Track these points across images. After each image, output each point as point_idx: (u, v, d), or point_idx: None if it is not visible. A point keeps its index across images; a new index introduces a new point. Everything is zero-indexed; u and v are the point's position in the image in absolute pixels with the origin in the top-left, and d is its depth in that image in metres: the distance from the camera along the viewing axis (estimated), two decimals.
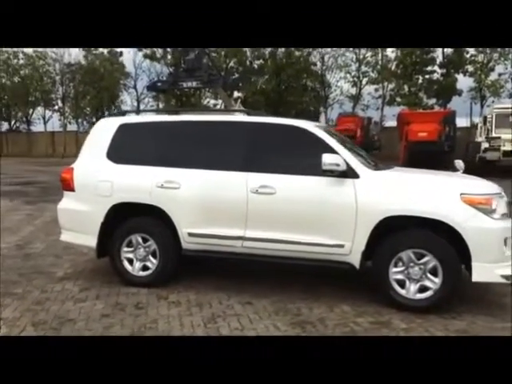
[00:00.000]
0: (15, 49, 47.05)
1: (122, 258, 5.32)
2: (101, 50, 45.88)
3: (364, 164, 4.82)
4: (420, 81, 37.72)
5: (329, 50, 41.35)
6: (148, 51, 42.67)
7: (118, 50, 47.37)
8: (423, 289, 4.55)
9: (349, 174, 4.67)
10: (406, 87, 38.08)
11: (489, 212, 4.40)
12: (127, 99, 49.03)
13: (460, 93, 36.75)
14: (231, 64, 44.00)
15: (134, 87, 46.45)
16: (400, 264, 4.58)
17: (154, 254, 5.26)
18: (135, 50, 43.87)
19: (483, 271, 4.38)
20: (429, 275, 4.52)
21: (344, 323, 4.31)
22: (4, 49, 46.39)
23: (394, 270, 4.60)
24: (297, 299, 4.91)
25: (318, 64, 42.85)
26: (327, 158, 4.55)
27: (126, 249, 5.31)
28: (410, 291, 4.57)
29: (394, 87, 39.05)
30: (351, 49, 40.72)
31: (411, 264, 4.55)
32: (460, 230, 4.37)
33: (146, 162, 5.26)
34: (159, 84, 34.32)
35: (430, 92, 37.44)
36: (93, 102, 45.52)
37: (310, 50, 40.89)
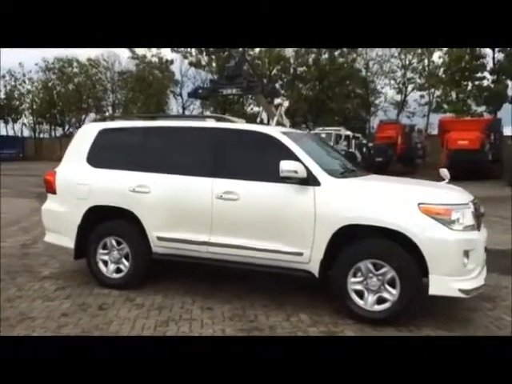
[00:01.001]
0: (70, 57, 49.29)
1: (97, 260, 5.46)
2: (150, 58, 47.23)
3: (329, 171, 4.73)
4: (469, 87, 36.49)
5: (374, 55, 40.85)
6: (193, 59, 43.57)
7: (169, 58, 48.65)
8: (381, 300, 4.42)
9: (310, 181, 4.61)
10: (453, 94, 36.94)
11: (447, 223, 4.23)
12: (174, 106, 49.91)
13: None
14: (274, 71, 44.07)
15: (180, 94, 47.46)
16: (359, 274, 4.47)
17: (126, 257, 5.37)
18: (181, 58, 44.89)
19: (440, 284, 4.21)
20: (387, 286, 4.39)
21: (293, 332, 4.25)
22: (59, 57, 48.64)
23: (353, 280, 4.49)
24: (259, 306, 4.88)
25: (363, 70, 42.38)
26: (284, 165, 4.51)
27: (101, 251, 5.45)
28: (368, 302, 4.45)
29: (441, 94, 37.98)
30: (396, 54, 40.05)
31: (370, 275, 4.43)
32: (416, 241, 4.22)
33: (121, 167, 5.39)
34: (200, 91, 34.68)
35: (479, 99, 36.14)
36: (141, 108, 46.82)
37: (354, 56, 40.51)
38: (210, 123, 5.31)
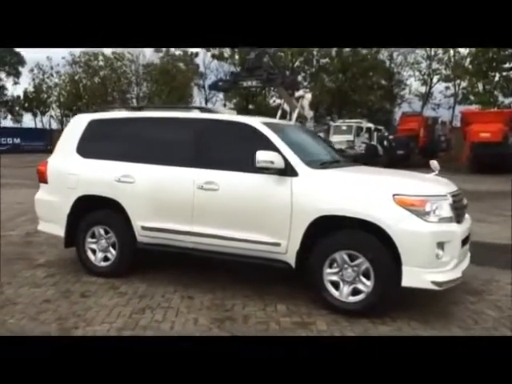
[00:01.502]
0: (96, 50, 49.97)
1: (86, 249, 5.57)
2: (174, 50, 47.53)
3: (308, 162, 4.70)
4: (496, 78, 35.60)
5: None
6: (216, 51, 43.67)
7: (194, 51, 48.91)
8: (356, 291, 4.40)
9: (288, 171, 4.60)
10: (480, 85, 36.13)
11: (421, 214, 4.17)
12: (197, 98, 50.22)
13: None
14: (297, 63, 43.82)
15: (203, 87, 47.66)
16: (334, 265, 4.46)
17: (114, 246, 5.46)
18: (204, 50, 45.07)
19: (413, 276, 4.16)
20: (362, 278, 4.36)
21: (265, 322, 4.27)
22: (85, 51, 49.32)
23: (329, 271, 4.48)
24: (240, 296, 4.91)
25: (387, 62, 41.76)
26: (260, 156, 4.51)
27: (89, 239, 5.56)
28: (343, 293, 4.43)
29: (467, 85, 37.20)
30: None
31: (345, 266, 4.41)
32: (390, 232, 4.17)
33: (108, 157, 5.48)
34: (221, 83, 34.77)
35: (507, 90, 35.24)
36: (165, 100, 47.23)
37: None
38: (193, 114, 5.33)
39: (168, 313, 4.45)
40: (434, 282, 4.14)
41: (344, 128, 32.00)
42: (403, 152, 28.48)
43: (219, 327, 4.14)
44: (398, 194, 4.24)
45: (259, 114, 44.23)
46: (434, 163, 5.64)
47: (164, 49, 46.64)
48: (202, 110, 5.38)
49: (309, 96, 38.78)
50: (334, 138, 31.20)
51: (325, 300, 4.50)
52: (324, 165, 4.96)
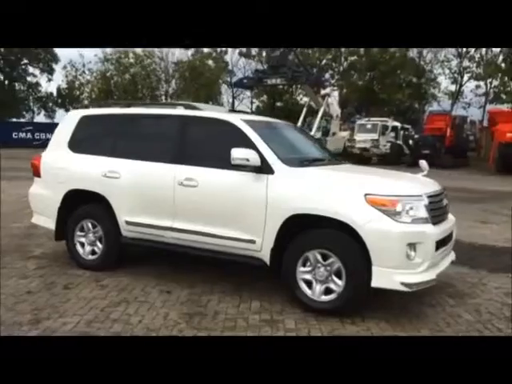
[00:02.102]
0: (126, 48, 50.68)
1: (75, 242, 5.69)
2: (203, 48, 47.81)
3: (286, 160, 4.68)
4: None
5: None
6: (243, 49, 43.75)
7: (224, 48, 49.07)
8: (329, 291, 4.37)
9: (264, 169, 4.60)
10: None
11: (392, 214, 4.11)
12: (225, 96, 50.46)
13: None
14: (324, 61, 43.51)
15: (230, 84, 47.81)
16: (308, 264, 4.44)
17: (100, 240, 5.56)
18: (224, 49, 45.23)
19: (382, 276, 4.11)
20: (334, 277, 4.33)
21: (234, 319, 4.28)
22: (116, 48, 50.11)
23: (302, 269, 4.46)
24: (218, 292, 4.94)
25: (416, 59, 41.02)
26: (235, 153, 4.52)
27: (78, 233, 5.68)
28: (316, 292, 4.41)
29: (499, 83, 36.19)
30: None
31: (318, 265, 4.39)
32: (360, 232, 4.13)
33: (97, 152, 5.58)
34: (245, 81, 34.95)
35: None
36: (192, 98, 47.60)
37: None
38: (177, 110, 5.38)
39: (141, 307, 4.51)
40: (403, 284, 4.07)
41: (369, 126, 31.66)
42: (429, 151, 27.95)
43: (187, 323, 4.17)
44: (369, 194, 4.18)
45: (287, 111, 44.17)
46: (422, 163, 5.54)
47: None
48: (186, 106, 5.42)
49: (335, 94, 38.37)
50: (358, 137, 30.92)
51: (298, 299, 4.49)
52: (304, 163, 4.92)
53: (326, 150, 5.98)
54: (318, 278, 4.39)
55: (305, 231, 4.44)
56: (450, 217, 5.01)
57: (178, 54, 49.94)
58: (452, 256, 4.97)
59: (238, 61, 47.58)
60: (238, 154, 4.52)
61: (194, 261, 5.74)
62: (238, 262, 4.83)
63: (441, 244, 4.42)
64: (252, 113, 50.33)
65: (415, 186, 4.60)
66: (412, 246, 4.10)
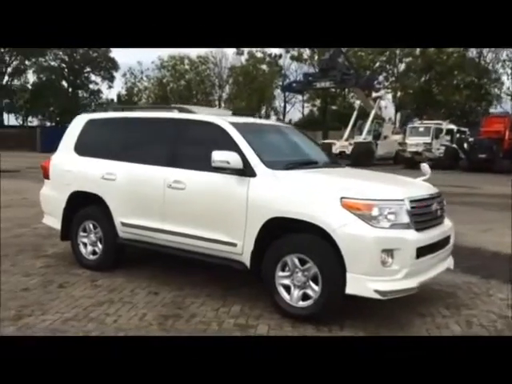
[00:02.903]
0: (182, 55, 51.95)
1: (78, 242, 5.87)
2: (255, 52, 48.14)
3: (270, 163, 4.61)
4: None
5: None
6: (295, 52, 43.67)
7: (278, 52, 49.21)
8: (306, 297, 4.26)
9: (247, 172, 4.56)
10: None
11: (368, 219, 3.95)
12: (277, 100, 50.52)
13: None
14: (378, 63, 42.64)
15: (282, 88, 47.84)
16: (287, 269, 4.35)
17: (101, 241, 5.70)
18: (283, 52, 45.23)
19: (356, 283, 3.96)
20: (311, 283, 4.22)
21: (208, 322, 4.25)
22: (172, 55, 51.43)
23: (281, 274, 4.37)
24: (204, 295, 4.93)
25: (476, 60, 39.38)
26: (216, 156, 4.51)
27: (81, 233, 5.85)
28: (294, 298, 4.31)
29: None
30: None
31: (296, 270, 4.29)
32: (335, 237, 4.00)
33: (98, 155, 5.73)
34: (294, 85, 34.90)
35: None
36: (245, 102, 48.09)
37: None
38: (169, 114, 5.43)
39: (123, 307, 4.57)
40: (377, 291, 3.91)
41: (421, 129, 30.68)
42: (485, 156, 26.75)
43: (159, 324, 4.19)
44: (345, 197, 4.05)
45: (339, 115, 43.63)
46: (424, 167, 5.31)
47: (246, 51, 47.48)
48: (180, 109, 5.46)
49: (388, 96, 37.34)
50: (410, 140, 30.03)
51: (276, 303, 4.40)
52: (290, 166, 4.81)
53: (324, 153, 5.84)
54: (295, 284, 4.30)
55: (284, 235, 4.36)
56: (446, 222, 4.77)
57: (232, 59, 50.68)
58: (448, 263, 4.72)
59: (291, 65, 47.53)
60: (219, 156, 4.50)
61: (188, 263, 5.74)
62: (221, 265, 4.80)
63: (427, 251, 4.20)
64: (304, 117, 50.22)
65: (397, 189, 4.40)
66: (389, 252, 3.93)
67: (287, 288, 4.36)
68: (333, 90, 41.32)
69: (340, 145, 32.31)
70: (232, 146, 4.69)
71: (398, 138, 32.80)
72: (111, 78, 56.80)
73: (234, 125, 4.92)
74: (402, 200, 4.12)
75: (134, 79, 56.18)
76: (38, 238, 7.38)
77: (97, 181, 5.58)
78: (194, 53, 53.02)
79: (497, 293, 5.18)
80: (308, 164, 5.13)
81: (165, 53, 53.35)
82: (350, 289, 3.98)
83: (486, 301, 4.93)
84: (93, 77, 57.24)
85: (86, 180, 5.72)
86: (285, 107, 48.83)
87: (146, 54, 55.83)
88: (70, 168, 5.90)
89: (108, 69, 56.33)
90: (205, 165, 4.81)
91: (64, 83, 56.48)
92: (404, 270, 3.98)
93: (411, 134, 30.70)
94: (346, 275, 3.98)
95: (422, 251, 4.12)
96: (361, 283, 3.94)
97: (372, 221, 3.96)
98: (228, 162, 4.50)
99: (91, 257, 5.79)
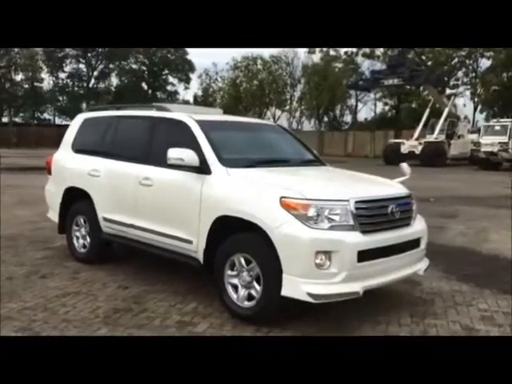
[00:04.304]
0: (255, 55, 52.41)
1: (72, 236, 6.13)
2: (325, 50, 47.47)
3: (228, 161, 4.55)
4: None
5: None
6: (367, 50, 42.59)
7: (354, 50, 48.27)
8: (251, 297, 4.16)
9: (204, 169, 4.53)
10: None
11: (304, 219, 3.78)
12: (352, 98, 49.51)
13: None
14: (456, 59, 40.55)
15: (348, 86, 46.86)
16: (235, 268, 4.27)
17: (89, 234, 5.92)
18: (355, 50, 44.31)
19: (290, 285, 3.81)
20: (255, 283, 4.12)
21: (152, 317, 4.28)
22: (245, 55, 52.05)
23: (229, 273, 4.30)
24: (169, 291, 4.95)
25: None
26: (171, 153, 4.53)
27: (75, 227, 6.10)
28: (240, 298, 4.23)
29: None
30: None
31: (242, 269, 4.21)
32: (271, 236, 3.88)
33: (88, 152, 5.96)
34: (361, 82, 34.05)
35: None
36: (316, 101, 47.67)
37: None
38: (145, 112, 5.52)
39: (84, 299, 4.69)
40: (309, 294, 3.73)
41: (497, 128, 28.77)
42: None
43: (105, 317, 4.26)
44: (284, 197, 3.91)
45: (412, 112, 41.96)
46: (403, 166, 5.00)
47: (317, 50, 47.03)
48: (157, 108, 5.52)
49: (466, 94, 35.07)
50: (484, 140, 28.28)
51: (225, 303, 4.34)
52: (249, 164, 4.69)
53: (307, 152, 5.64)
54: (242, 283, 4.21)
55: (232, 234, 4.29)
56: (416, 225, 4.46)
57: (304, 58, 50.40)
58: (414, 268, 4.41)
59: (363, 62, 46.44)
60: (173, 153, 4.52)
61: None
62: (181, 262, 4.81)
63: (376, 255, 3.95)
64: (375, 116, 48.75)
65: (342, 190, 4.16)
66: (326, 254, 3.74)
67: (235, 287, 4.28)
68: (407, 87, 39.83)
69: (409, 144, 31.16)
70: (194, 143, 4.68)
71: (475, 137, 31.00)
72: (187, 80, 58.60)
73: (200, 123, 4.90)
74: (345, 201, 3.90)
75: (209, 80, 57.55)
76: (54, 232, 7.75)
77: (85, 177, 5.79)
78: (266, 53, 53.46)
79: (480, 303, 4.77)
80: (274, 162, 4.99)
81: (238, 54, 54.23)
82: (285, 290, 3.84)
83: (461, 311, 4.55)
84: (170, 78, 59.39)
85: (77, 176, 5.96)
86: (356, 106, 47.91)
87: (222, 56, 56.86)
88: (66, 165, 6.18)
89: (185, 70, 58.14)
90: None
91: (144, 85, 59.08)
92: (342, 273, 3.77)
93: (486, 133, 28.92)
94: (282, 276, 3.84)
95: (366, 255, 3.88)
96: (295, 285, 3.78)
97: (309, 221, 3.79)
98: (182, 159, 4.50)
99: (82, 250, 6.02)
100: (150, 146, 5.18)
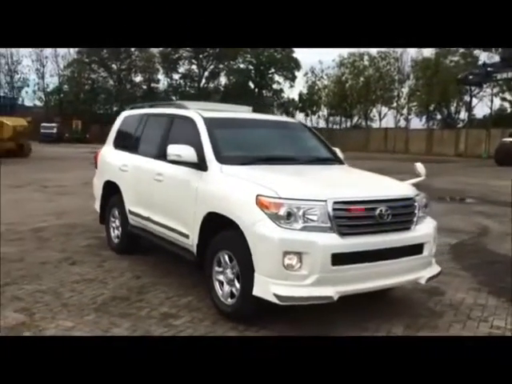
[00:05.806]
0: (362, 52, 51.10)
1: (109, 226, 6.48)
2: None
3: (225, 158, 4.52)
4: None
5: None
6: None
7: None
8: (233, 294, 4.11)
9: (202, 166, 4.57)
10: None
11: (275, 218, 3.65)
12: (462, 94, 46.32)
13: None
14: None
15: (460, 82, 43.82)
16: (221, 264, 4.24)
17: (121, 226, 6.22)
18: None
19: (260, 285, 3.71)
20: (235, 281, 4.06)
21: (141, 307, 4.40)
22: (352, 52, 50.93)
23: (217, 269, 4.29)
24: (174, 284, 5.05)
25: None
26: (170, 149, 4.62)
27: (111, 219, 6.44)
28: (224, 294, 4.21)
29: None
30: None
31: (227, 266, 4.17)
32: (246, 235, 3.80)
33: (123, 148, 6.26)
34: (471, 77, 31.61)
35: None
36: (424, 98, 45.35)
37: None
38: (165, 109, 5.67)
39: (93, 286, 4.94)
40: (275, 295, 3.60)
41: None
42: None
43: (101, 304, 4.44)
44: (260, 195, 3.81)
45: None
46: (418, 166, 4.61)
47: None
48: (176, 105, 5.64)
49: None
50: None
51: (211, 298, 4.33)
52: (246, 161, 4.59)
53: (326, 150, 5.41)
54: (226, 280, 4.18)
55: (219, 231, 4.26)
56: (418, 229, 4.11)
57: (413, 52, 48.17)
58: (413, 276, 4.07)
59: (480, 55, 43.20)
60: (172, 150, 4.61)
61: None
62: (180, 256, 4.89)
63: (357, 259, 3.70)
64: (491, 112, 44.85)
65: (321, 190, 3.89)
66: (296, 255, 3.57)
67: (222, 284, 4.25)
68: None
69: None
70: (197, 139, 4.73)
71: None
72: (293, 78, 58.73)
73: (207, 120, 4.92)
74: (322, 201, 3.69)
75: (315, 78, 57.23)
76: (90, 224, 8.07)
77: (117, 172, 6.09)
78: (374, 49, 51.92)
79: (498, 319, 4.29)
80: (275, 160, 4.83)
81: (345, 51, 53.28)
82: (256, 290, 3.74)
83: (469, 327, 4.12)
84: (276, 77, 59.99)
85: (112, 171, 6.29)
86: (470, 102, 44.57)
87: (327, 53, 56.37)
88: (106, 159, 6.55)
89: (291, 69, 58.37)
90: None
91: (250, 84, 60.32)
92: (313, 276, 3.58)
93: None
94: (254, 275, 3.74)
95: (344, 258, 3.64)
96: (264, 285, 3.67)
97: (280, 220, 3.65)
98: (180, 156, 4.56)
99: (116, 240, 6.34)
100: (165, 142, 5.29)
